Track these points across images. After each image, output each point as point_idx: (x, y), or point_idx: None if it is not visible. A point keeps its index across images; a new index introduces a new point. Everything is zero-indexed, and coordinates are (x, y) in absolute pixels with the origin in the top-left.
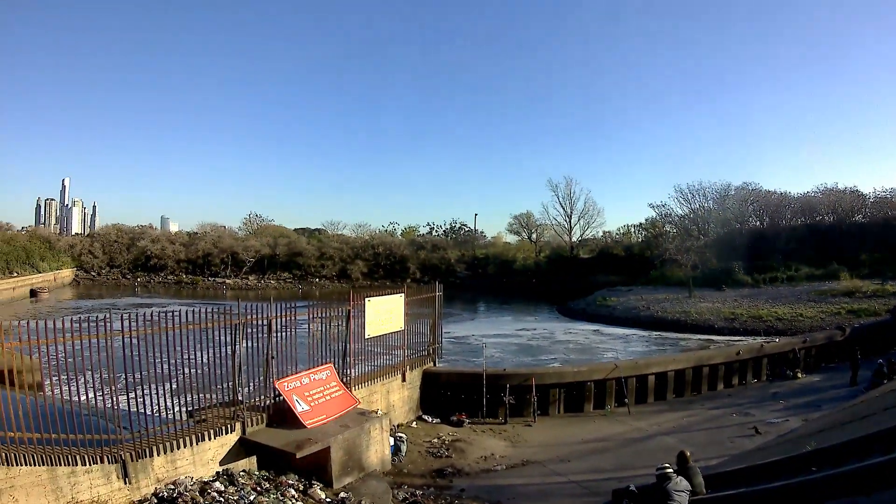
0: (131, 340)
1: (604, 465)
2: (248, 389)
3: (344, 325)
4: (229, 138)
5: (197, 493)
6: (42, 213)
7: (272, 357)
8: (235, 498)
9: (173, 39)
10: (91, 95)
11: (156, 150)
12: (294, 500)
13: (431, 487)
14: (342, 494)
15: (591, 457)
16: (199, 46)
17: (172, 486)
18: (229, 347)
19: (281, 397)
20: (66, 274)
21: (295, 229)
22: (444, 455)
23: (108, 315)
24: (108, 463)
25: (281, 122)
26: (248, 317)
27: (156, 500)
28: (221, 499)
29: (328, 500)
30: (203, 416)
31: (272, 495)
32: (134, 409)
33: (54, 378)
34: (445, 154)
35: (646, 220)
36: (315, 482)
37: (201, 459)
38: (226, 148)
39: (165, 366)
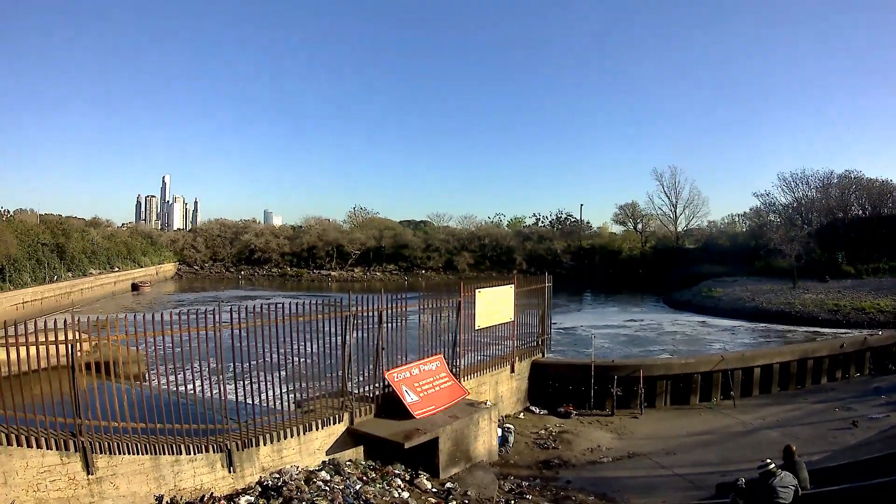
0: (239, 332)
1: (709, 458)
2: (358, 380)
3: (454, 315)
4: (331, 132)
5: (302, 482)
6: (143, 209)
7: (382, 348)
8: (341, 487)
9: (270, 36)
10: (190, 95)
11: (256, 146)
12: (400, 490)
13: (538, 479)
14: (448, 485)
15: (697, 450)
16: (301, 42)
17: (277, 475)
18: (338, 338)
19: (390, 388)
20: (169, 268)
21: (400, 222)
22: (551, 446)
23: (217, 307)
24: (214, 452)
25: (383, 115)
26: (358, 308)
27: (260, 489)
28: (327, 488)
29: (434, 489)
30: (311, 407)
31: (378, 485)
32: (242, 399)
33: (159, 369)
34: (552, 143)
35: (750, 209)
36: (422, 472)
37: (308, 449)
38: (329, 142)
39: (274, 357)
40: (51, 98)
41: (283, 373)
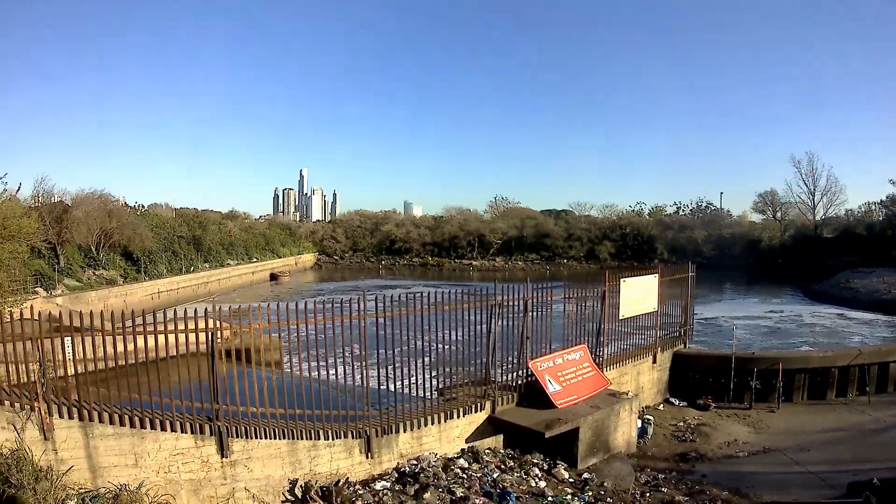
0: (383, 321)
1: (842, 456)
2: (500, 369)
3: (598, 305)
4: (469, 122)
5: (440, 469)
6: (280, 202)
7: (527, 337)
8: (479, 475)
9: (410, 28)
10: (325, 89)
11: (395, 137)
12: (537, 479)
13: (674, 472)
14: (585, 475)
15: (830, 447)
16: (435, 32)
17: (415, 462)
18: (480, 327)
19: (533, 377)
20: (308, 258)
21: (541, 211)
22: (689, 439)
23: (360, 296)
24: (352, 438)
25: (521, 105)
26: (504, 297)
27: (396, 475)
28: (464, 475)
29: (571, 479)
30: (453, 395)
31: (515, 474)
32: (383, 387)
33: (300, 356)
34: (690, 129)
35: (886, 196)
36: (560, 462)
37: (447, 437)
38: (467, 132)
39: (416, 346)
40: (192, 94)
41: (426, 360)
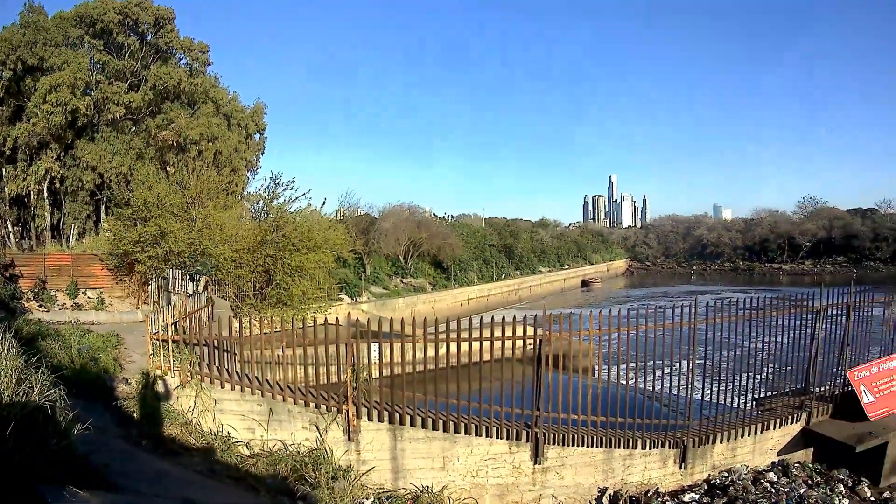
0: (703, 328)
1: None
2: (818, 379)
3: None
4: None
5: (749, 483)
6: (590, 209)
7: (847, 345)
8: (786, 490)
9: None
10: (629, 98)
11: (701, 143)
12: (841, 497)
13: None
14: (886, 494)
15: None
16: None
17: (726, 474)
18: (796, 334)
19: (850, 387)
20: (619, 264)
21: (847, 210)
22: None
23: (692, 302)
24: (669, 448)
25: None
26: (827, 302)
27: (706, 487)
28: (772, 490)
29: (872, 498)
30: (770, 405)
31: (821, 490)
32: (698, 396)
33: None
34: None
35: None
36: (863, 479)
37: (761, 449)
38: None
39: (730, 354)
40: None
41: (741, 369)
